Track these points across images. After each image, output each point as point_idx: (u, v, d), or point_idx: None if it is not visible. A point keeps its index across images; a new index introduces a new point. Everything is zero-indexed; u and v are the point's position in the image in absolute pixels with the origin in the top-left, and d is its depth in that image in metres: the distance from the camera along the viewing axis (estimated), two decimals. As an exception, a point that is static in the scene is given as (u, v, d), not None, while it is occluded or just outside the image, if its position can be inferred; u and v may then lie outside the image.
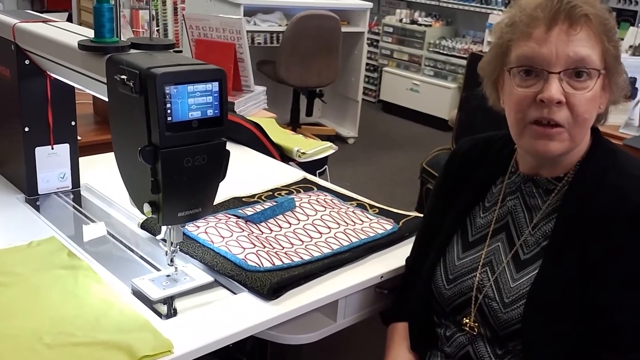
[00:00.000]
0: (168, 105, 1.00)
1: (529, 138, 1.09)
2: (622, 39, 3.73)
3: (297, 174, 1.86)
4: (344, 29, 4.86)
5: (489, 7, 5.87)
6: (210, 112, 1.05)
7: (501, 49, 1.12)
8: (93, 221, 1.52)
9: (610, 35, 1.07)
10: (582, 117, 1.06)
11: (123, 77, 1.03)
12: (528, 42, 1.06)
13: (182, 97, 1.02)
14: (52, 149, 1.56)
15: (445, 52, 6.10)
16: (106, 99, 1.14)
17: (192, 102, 1.03)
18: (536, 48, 1.05)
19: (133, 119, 1.05)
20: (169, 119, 1.01)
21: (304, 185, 1.75)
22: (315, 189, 1.73)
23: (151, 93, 1.00)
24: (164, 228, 1.20)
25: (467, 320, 1.18)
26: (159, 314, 1.15)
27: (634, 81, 2.83)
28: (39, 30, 1.39)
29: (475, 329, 1.17)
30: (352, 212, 1.57)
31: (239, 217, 1.46)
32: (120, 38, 1.19)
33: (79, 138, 1.63)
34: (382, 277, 1.34)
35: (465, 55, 5.73)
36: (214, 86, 1.05)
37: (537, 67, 1.05)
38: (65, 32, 1.36)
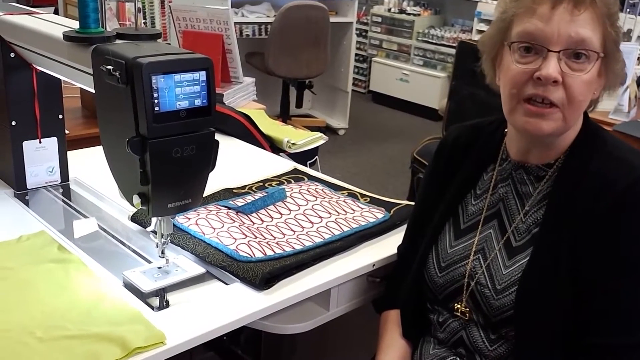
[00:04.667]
0: (155, 95, 0.99)
1: (521, 115, 1.08)
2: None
3: (288, 165, 1.86)
4: (332, 20, 4.84)
5: (478, -5, 5.86)
6: (198, 102, 1.04)
7: (504, 24, 1.11)
8: (83, 215, 1.51)
9: (613, 20, 1.07)
10: (577, 99, 1.05)
11: (109, 67, 1.02)
12: (531, 19, 1.06)
13: (169, 86, 1.00)
14: (40, 142, 1.54)
15: (434, 42, 6.09)
16: (93, 91, 1.13)
17: (179, 91, 1.02)
18: (539, 25, 1.05)
19: (120, 109, 1.04)
20: (157, 109, 1.00)
21: (295, 176, 1.74)
22: (306, 179, 1.72)
23: (138, 83, 0.99)
24: (154, 220, 1.19)
25: (459, 306, 1.18)
26: (151, 306, 1.14)
27: (623, 67, 2.84)
28: (23, 22, 1.37)
29: (467, 315, 1.17)
30: (344, 201, 1.57)
31: (229, 208, 1.45)
32: (105, 28, 1.17)
33: (67, 132, 1.62)
34: (374, 265, 1.34)
35: (454, 44, 5.72)
36: (201, 75, 1.03)
37: (537, 44, 1.05)
38: (50, 23, 1.34)
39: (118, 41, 1.13)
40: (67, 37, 1.16)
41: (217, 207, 1.45)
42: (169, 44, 4.01)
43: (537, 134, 1.08)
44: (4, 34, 1.42)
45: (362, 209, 1.53)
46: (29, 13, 1.46)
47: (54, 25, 1.32)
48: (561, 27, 1.03)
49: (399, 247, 1.36)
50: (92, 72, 1.11)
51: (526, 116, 1.07)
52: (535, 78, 1.05)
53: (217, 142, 1.11)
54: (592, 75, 1.06)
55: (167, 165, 1.06)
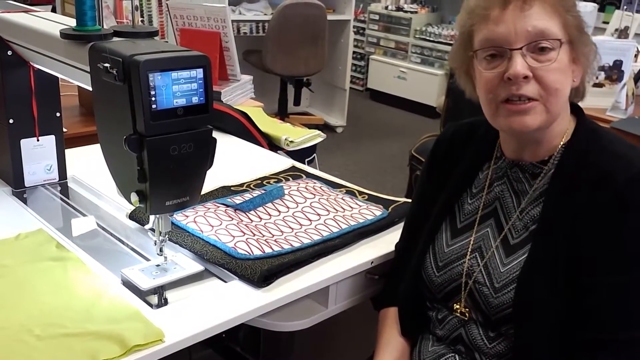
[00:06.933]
0: (152, 93, 0.99)
1: (503, 117, 1.09)
2: (608, 23, 3.74)
3: (286, 162, 1.86)
4: (329, 17, 4.84)
5: (475, -7, 5.85)
6: (195, 100, 1.04)
7: (464, 37, 1.14)
8: (81, 213, 1.51)
9: (568, 6, 1.08)
10: (553, 87, 1.06)
11: (106, 65, 1.02)
12: (487, 25, 1.08)
13: (167, 84, 1.00)
14: (38, 140, 1.54)
15: (431, 39, 6.09)
16: (90, 88, 1.13)
17: (176, 89, 1.02)
18: (494, 29, 1.06)
19: (117, 107, 1.04)
20: (154, 106, 1.00)
21: (293, 173, 1.74)
22: (304, 176, 1.72)
23: (135, 81, 0.99)
24: (152, 217, 1.19)
25: (458, 306, 1.18)
26: (150, 304, 1.14)
27: (620, 64, 2.84)
28: (20, 20, 1.37)
29: (467, 314, 1.17)
30: (342, 198, 1.57)
31: (228, 205, 1.45)
32: (102, 26, 1.17)
33: (64, 130, 1.62)
34: (372, 262, 1.34)
35: (451, 42, 5.71)
36: (199, 73, 1.03)
37: (498, 46, 1.06)
38: (47, 21, 1.34)
39: (115, 39, 1.13)
40: (64, 34, 1.16)
41: (215, 205, 1.45)
42: (167, 41, 4.01)
43: (523, 130, 1.08)
44: (1, 32, 1.41)
45: (360, 206, 1.53)
46: (26, 11, 1.45)
47: (51, 23, 1.31)
48: (517, 24, 1.05)
49: (397, 245, 1.36)
50: (89, 70, 1.11)
51: (508, 116, 1.08)
52: (506, 79, 1.06)
53: (214, 140, 1.11)
54: (561, 63, 1.06)
55: (165, 163, 1.06)
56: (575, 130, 1.14)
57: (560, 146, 1.13)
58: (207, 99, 1.06)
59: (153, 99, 1.00)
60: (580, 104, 1.18)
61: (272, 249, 1.29)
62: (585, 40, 1.10)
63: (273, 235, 1.36)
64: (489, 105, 1.11)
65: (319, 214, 1.47)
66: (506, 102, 1.07)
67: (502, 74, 1.06)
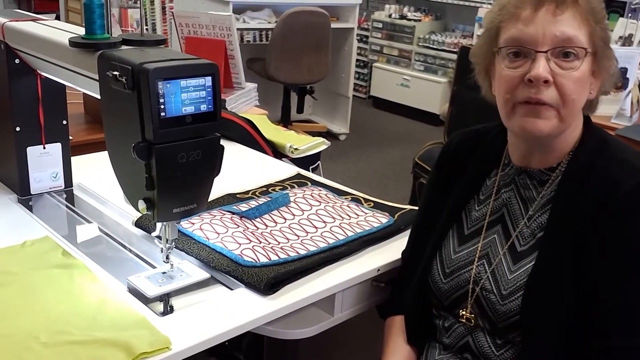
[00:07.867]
0: (161, 101, 1.00)
1: (518, 117, 1.09)
2: (612, 30, 3.75)
3: (291, 170, 1.86)
4: (333, 25, 4.85)
5: (478, 0, 5.88)
6: (203, 107, 1.05)
7: (491, 32, 1.13)
8: (87, 220, 1.51)
9: (598, 18, 1.08)
10: (570, 97, 1.06)
11: (115, 73, 1.02)
12: (516, 24, 1.08)
13: (175, 92, 1.01)
14: (44, 148, 1.54)
15: (435, 47, 6.10)
16: (98, 96, 1.13)
17: (185, 97, 1.02)
18: (523, 29, 1.06)
19: (126, 115, 1.04)
20: (163, 114, 1.00)
21: (298, 181, 1.74)
22: (310, 184, 1.72)
23: (144, 89, 0.99)
24: (159, 225, 1.19)
25: (464, 313, 1.18)
26: (156, 312, 1.14)
27: (625, 71, 2.84)
28: (28, 29, 1.37)
29: (472, 321, 1.17)
30: (347, 206, 1.57)
31: (233, 213, 1.45)
32: (111, 34, 1.18)
33: (70, 137, 1.62)
34: (378, 270, 1.34)
35: (455, 50, 5.73)
36: (207, 81, 1.04)
37: (524, 47, 1.06)
38: (55, 30, 1.35)
39: (124, 47, 1.14)
40: (73, 43, 1.16)
41: (221, 212, 1.45)
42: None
43: (535, 134, 1.08)
44: (10, 41, 1.42)
45: (366, 213, 1.53)
46: (34, 19, 1.46)
47: (59, 31, 1.32)
48: (546, 27, 1.05)
49: (403, 252, 1.36)
50: (98, 78, 1.11)
51: (523, 116, 1.08)
52: (526, 80, 1.06)
53: (222, 147, 1.12)
54: (583, 73, 1.07)
55: (173, 171, 1.06)
56: (582, 138, 1.14)
57: (568, 154, 1.13)
58: (215, 106, 1.06)
59: (162, 106, 1.00)
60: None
61: (278, 257, 1.29)
62: (609, 55, 1.10)
63: (279, 243, 1.36)
64: (505, 105, 1.10)
65: (324, 222, 1.47)
66: (522, 103, 1.07)
67: (523, 75, 1.06)
